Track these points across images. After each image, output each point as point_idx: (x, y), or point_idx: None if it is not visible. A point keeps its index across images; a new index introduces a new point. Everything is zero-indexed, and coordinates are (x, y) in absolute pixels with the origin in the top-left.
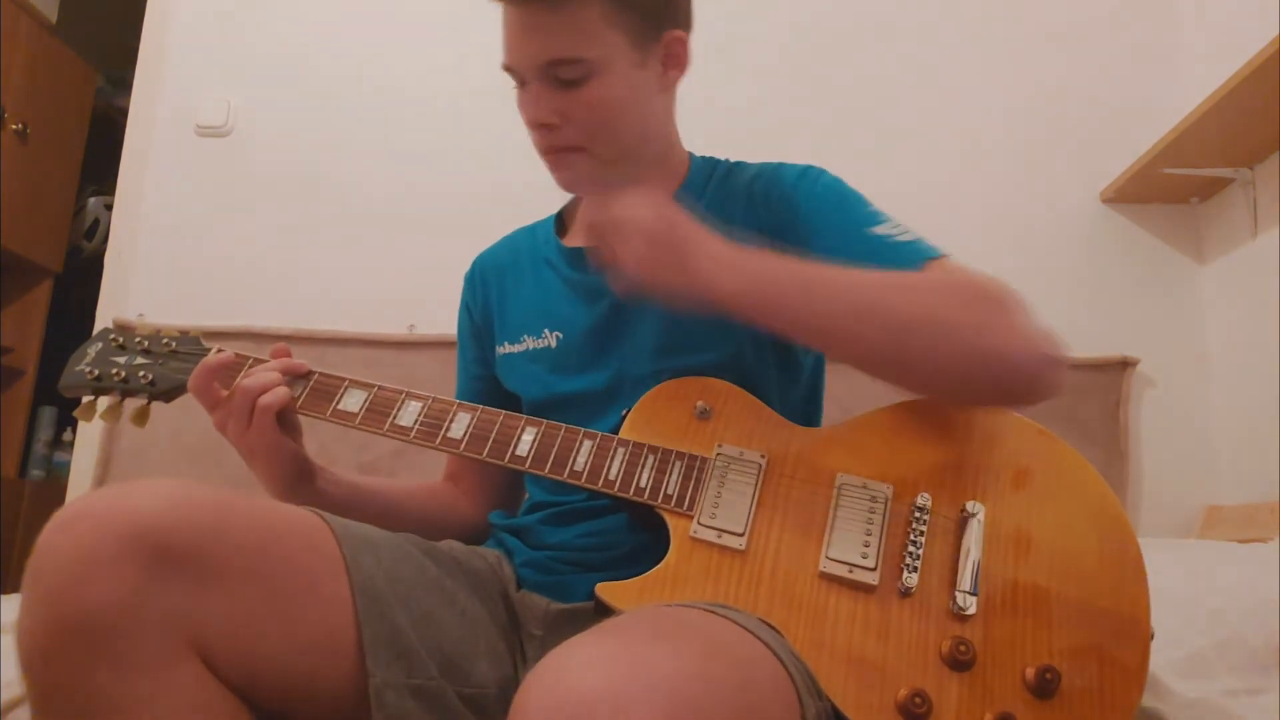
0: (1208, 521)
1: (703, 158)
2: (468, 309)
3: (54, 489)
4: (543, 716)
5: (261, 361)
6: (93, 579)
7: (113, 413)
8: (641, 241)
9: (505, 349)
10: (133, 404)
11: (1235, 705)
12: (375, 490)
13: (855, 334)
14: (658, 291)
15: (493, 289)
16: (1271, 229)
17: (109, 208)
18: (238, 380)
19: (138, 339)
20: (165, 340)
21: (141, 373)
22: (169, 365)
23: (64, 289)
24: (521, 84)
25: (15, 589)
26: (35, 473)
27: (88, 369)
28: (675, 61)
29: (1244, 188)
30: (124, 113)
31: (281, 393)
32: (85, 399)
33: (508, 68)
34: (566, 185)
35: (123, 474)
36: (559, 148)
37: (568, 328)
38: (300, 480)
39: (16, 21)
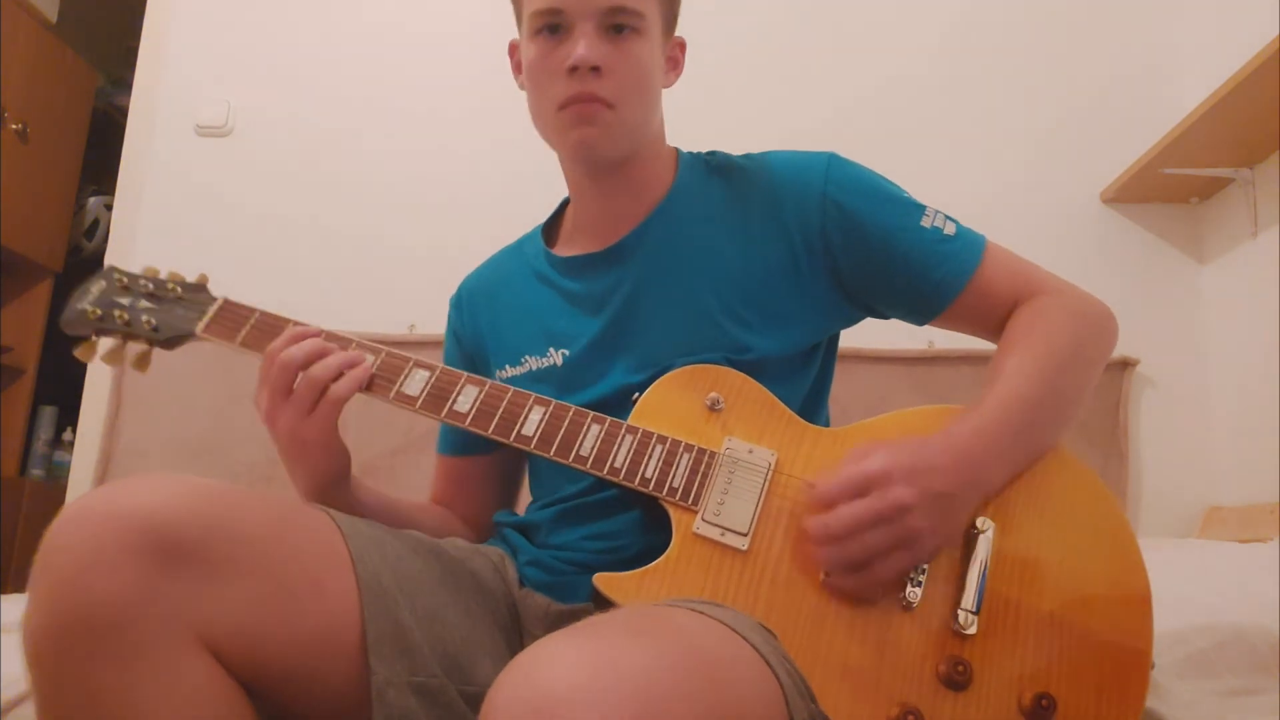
0: (1208, 522)
1: (689, 153)
2: (455, 335)
3: (54, 489)
4: (510, 712)
5: (283, 326)
6: (99, 574)
7: (114, 355)
8: (920, 543)
9: (506, 372)
10: (134, 348)
11: (1235, 705)
12: (398, 502)
13: (1067, 398)
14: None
15: (482, 312)
16: (1271, 229)
17: (109, 208)
18: (309, 370)
19: (143, 281)
20: (171, 285)
21: (145, 317)
22: (174, 313)
23: (64, 289)
24: (566, 30)
25: (15, 589)
26: (35, 472)
27: (90, 307)
28: (674, 64)
29: (1244, 188)
30: (124, 113)
31: (354, 378)
32: (86, 340)
33: (556, 10)
34: (586, 142)
35: (123, 473)
36: (594, 96)
37: (572, 344)
38: (338, 482)
39: (16, 21)
